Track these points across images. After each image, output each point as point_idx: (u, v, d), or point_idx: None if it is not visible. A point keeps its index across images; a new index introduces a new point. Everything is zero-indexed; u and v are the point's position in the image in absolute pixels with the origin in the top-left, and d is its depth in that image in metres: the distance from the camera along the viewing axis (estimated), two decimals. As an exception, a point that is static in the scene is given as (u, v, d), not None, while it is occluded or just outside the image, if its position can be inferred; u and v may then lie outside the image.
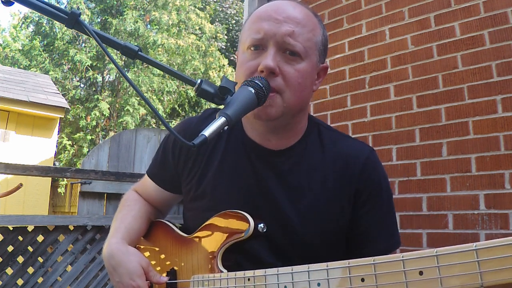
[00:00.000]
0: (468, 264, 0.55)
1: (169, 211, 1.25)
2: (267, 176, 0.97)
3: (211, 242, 0.94)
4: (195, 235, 0.99)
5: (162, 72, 6.96)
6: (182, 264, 1.00)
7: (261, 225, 0.88)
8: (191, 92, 12.31)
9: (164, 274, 1.03)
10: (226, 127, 0.78)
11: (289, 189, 0.96)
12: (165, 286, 1.01)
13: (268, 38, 0.90)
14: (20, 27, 13.66)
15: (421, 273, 0.59)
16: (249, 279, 0.81)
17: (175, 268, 1.01)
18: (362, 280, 0.65)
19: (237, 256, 0.92)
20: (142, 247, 1.12)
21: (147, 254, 1.10)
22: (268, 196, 0.96)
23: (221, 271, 0.89)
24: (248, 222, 0.87)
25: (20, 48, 13.01)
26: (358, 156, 0.98)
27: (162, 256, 1.07)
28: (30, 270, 2.70)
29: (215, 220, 0.95)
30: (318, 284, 0.71)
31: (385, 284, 0.63)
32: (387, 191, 1.01)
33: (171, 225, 1.10)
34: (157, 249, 1.10)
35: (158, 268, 1.06)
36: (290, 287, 0.75)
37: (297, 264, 0.76)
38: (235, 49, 16.92)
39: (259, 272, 0.81)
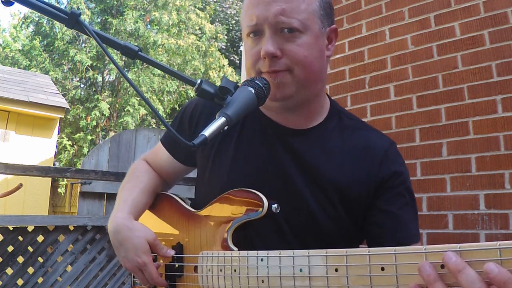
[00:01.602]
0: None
1: (175, 183, 1.23)
2: (283, 155, 0.97)
3: (223, 218, 0.91)
4: (205, 210, 0.97)
5: (162, 72, 6.96)
6: (189, 239, 0.98)
7: (275, 205, 0.85)
8: (191, 92, 12.31)
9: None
10: (226, 127, 0.78)
11: (304, 169, 0.95)
12: (171, 260, 0.99)
13: (262, 22, 0.90)
14: (20, 27, 13.65)
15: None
16: (262, 259, 0.78)
17: (182, 243, 0.99)
18: (382, 269, 0.64)
19: (247, 234, 0.90)
20: (146, 218, 1.09)
21: (151, 226, 1.06)
22: (284, 176, 0.95)
23: (232, 249, 0.86)
24: (262, 201, 0.85)
25: (20, 48, 13.00)
26: (378, 148, 0.98)
27: (168, 230, 1.04)
28: (30, 270, 2.70)
29: (228, 197, 0.92)
30: (336, 270, 0.68)
31: (406, 274, 0.62)
32: (406, 183, 0.99)
33: (178, 199, 1.07)
34: (162, 222, 1.07)
35: (163, 242, 1.03)
36: (306, 270, 0.72)
37: (310, 248, 0.74)
38: (235, 49, 16.93)
39: (273, 253, 0.77)
